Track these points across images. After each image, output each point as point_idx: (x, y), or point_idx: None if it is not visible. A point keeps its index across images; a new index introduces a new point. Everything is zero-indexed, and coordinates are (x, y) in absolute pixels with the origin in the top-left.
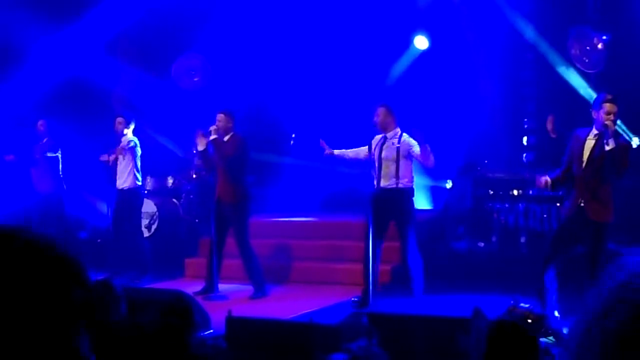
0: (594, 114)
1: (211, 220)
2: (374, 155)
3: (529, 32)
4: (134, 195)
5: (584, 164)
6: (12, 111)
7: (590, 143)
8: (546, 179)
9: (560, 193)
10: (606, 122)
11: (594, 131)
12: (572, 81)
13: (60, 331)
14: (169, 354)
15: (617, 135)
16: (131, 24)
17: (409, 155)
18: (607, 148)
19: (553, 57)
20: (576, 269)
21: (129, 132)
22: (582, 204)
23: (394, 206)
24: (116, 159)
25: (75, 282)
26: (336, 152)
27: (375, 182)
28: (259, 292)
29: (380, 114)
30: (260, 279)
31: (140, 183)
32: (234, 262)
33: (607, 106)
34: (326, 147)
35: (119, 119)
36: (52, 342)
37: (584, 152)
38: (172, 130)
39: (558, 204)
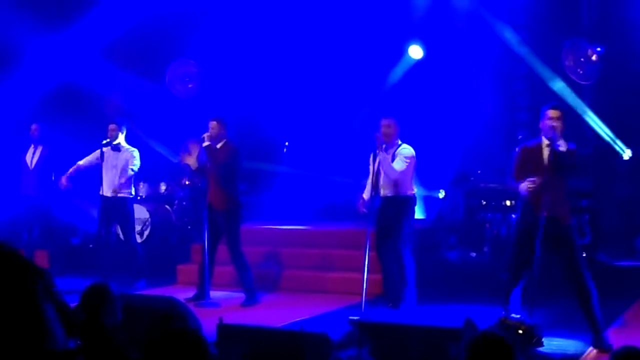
0: (540, 125)
1: (203, 227)
2: (374, 166)
3: (521, 47)
4: (128, 202)
5: (544, 173)
6: (5, 115)
7: (545, 152)
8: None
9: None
10: (553, 124)
11: (545, 141)
12: (563, 95)
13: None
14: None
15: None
16: (126, 30)
17: (406, 166)
18: (561, 149)
19: (543, 70)
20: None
21: (121, 138)
22: (548, 213)
23: (390, 214)
24: (101, 166)
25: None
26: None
27: (374, 192)
28: (251, 299)
29: (392, 125)
30: (252, 287)
31: (133, 193)
32: (225, 269)
33: (550, 112)
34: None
35: (112, 126)
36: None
37: (541, 161)
38: (166, 136)
39: None
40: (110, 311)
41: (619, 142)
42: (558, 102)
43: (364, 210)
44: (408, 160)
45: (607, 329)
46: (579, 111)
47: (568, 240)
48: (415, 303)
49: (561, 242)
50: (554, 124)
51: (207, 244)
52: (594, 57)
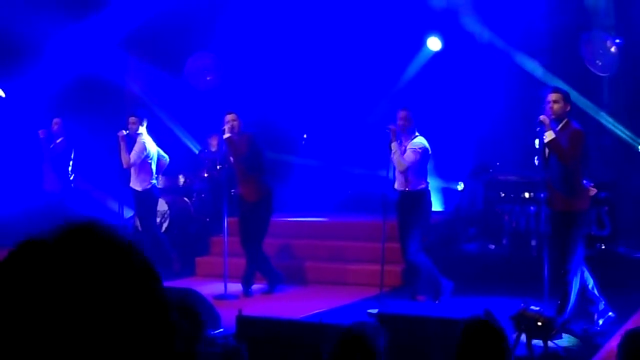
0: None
1: (238, 221)
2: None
3: (539, 40)
4: (150, 195)
5: (545, 161)
6: (26, 107)
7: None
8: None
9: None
10: (549, 106)
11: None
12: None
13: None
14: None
15: (564, 128)
16: (145, 22)
17: (418, 157)
18: (545, 140)
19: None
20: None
21: (143, 130)
22: (546, 200)
23: (403, 209)
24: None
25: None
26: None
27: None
28: (273, 285)
29: (408, 116)
30: (273, 273)
31: (155, 182)
32: (244, 261)
33: (548, 95)
34: None
35: (132, 119)
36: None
37: (544, 149)
38: (184, 128)
39: None
40: None
41: (629, 134)
42: (623, 96)
43: None
44: (419, 151)
45: (628, 319)
46: (585, 107)
47: (561, 228)
48: (442, 293)
49: (556, 229)
50: (550, 105)
51: (240, 237)
52: (612, 49)
